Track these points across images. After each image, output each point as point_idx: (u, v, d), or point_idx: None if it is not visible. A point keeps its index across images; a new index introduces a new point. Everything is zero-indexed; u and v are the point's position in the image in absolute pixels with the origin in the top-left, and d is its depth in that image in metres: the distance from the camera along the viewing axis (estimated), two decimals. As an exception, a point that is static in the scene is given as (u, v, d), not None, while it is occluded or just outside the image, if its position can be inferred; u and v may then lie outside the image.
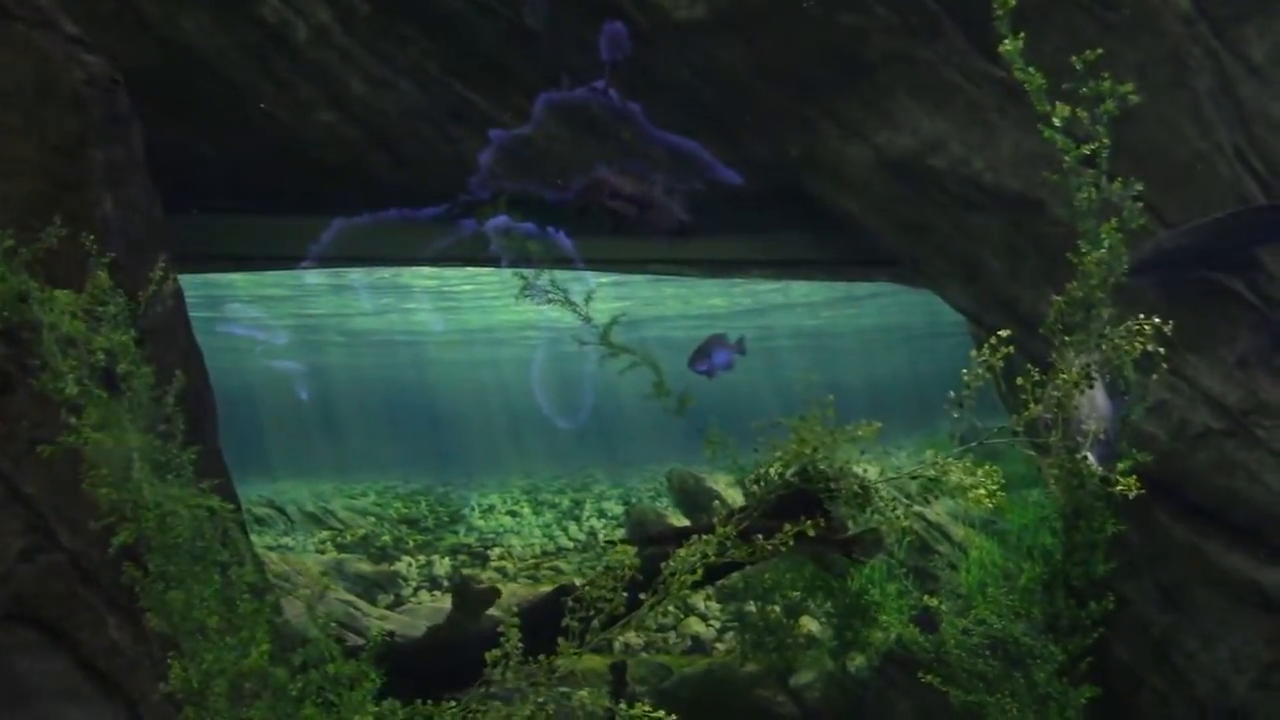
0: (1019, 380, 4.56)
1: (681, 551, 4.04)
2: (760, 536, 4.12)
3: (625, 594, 3.83)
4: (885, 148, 6.80)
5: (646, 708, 3.64)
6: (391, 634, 6.53)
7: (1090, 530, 5.99)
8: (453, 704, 3.90)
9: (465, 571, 15.50)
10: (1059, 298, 5.12)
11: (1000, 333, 4.37)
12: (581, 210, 6.39)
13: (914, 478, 4.32)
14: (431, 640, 7.82)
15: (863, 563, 6.99)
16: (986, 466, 4.33)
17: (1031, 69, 5.27)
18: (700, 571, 4.01)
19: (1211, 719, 6.61)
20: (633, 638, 10.84)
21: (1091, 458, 4.83)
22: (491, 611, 7.80)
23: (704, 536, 4.15)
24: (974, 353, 4.30)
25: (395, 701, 4.08)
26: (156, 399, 4.30)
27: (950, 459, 4.33)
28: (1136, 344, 4.56)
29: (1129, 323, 4.68)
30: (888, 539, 8.13)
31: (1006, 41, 5.26)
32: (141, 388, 4.28)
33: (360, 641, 5.22)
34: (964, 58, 6.51)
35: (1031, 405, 4.48)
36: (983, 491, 4.20)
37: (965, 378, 4.28)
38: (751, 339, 7.89)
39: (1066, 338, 5.01)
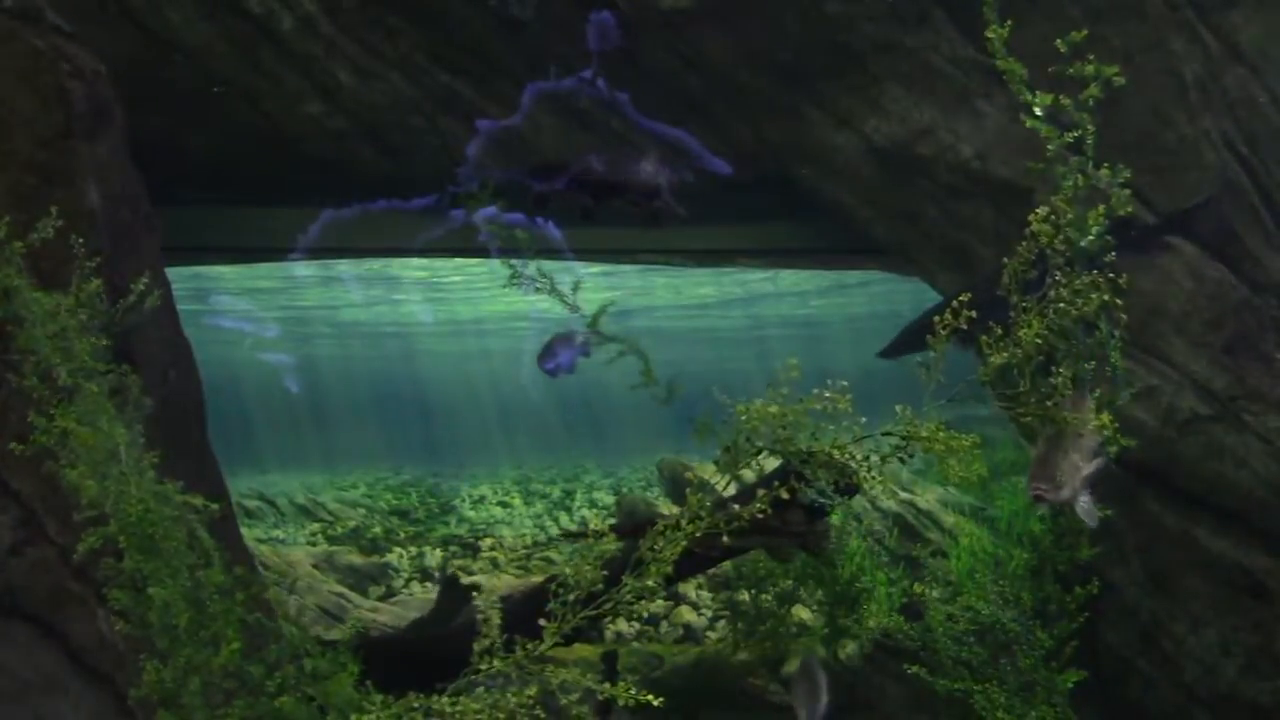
0: (983, 339, 4.46)
1: (659, 526, 4.01)
2: (736, 508, 4.04)
3: (605, 572, 3.80)
4: (873, 135, 6.80)
5: (632, 690, 3.63)
6: (367, 627, 6.48)
7: (1075, 516, 5.99)
8: (442, 696, 3.89)
9: (456, 563, 15.49)
10: (1010, 260, 4.96)
11: (962, 296, 4.27)
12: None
13: (885, 434, 4.21)
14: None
15: (816, 554, 6.96)
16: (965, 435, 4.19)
17: (1014, 59, 5.23)
18: (679, 546, 3.95)
19: (1199, 703, 6.65)
20: (624, 626, 10.86)
21: (1085, 506, 4.74)
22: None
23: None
24: (937, 318, 4.20)
25: (384, 695, 4.06)
26: (121, 405, 4.26)
27: (921, 421, 4.18)
28: (1090, 300, 4.43)
29: (1080, 278, 4.54)
30: (875, 526, 8.11)
31: (991, 30, 5.23)
32: (120, 384, 4.24)
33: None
34: (952, 45, 6.51)
35: (997, 356, 4.37)
36: (956, 450, 4.06)
37: (929, 341, 4.21)
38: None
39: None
